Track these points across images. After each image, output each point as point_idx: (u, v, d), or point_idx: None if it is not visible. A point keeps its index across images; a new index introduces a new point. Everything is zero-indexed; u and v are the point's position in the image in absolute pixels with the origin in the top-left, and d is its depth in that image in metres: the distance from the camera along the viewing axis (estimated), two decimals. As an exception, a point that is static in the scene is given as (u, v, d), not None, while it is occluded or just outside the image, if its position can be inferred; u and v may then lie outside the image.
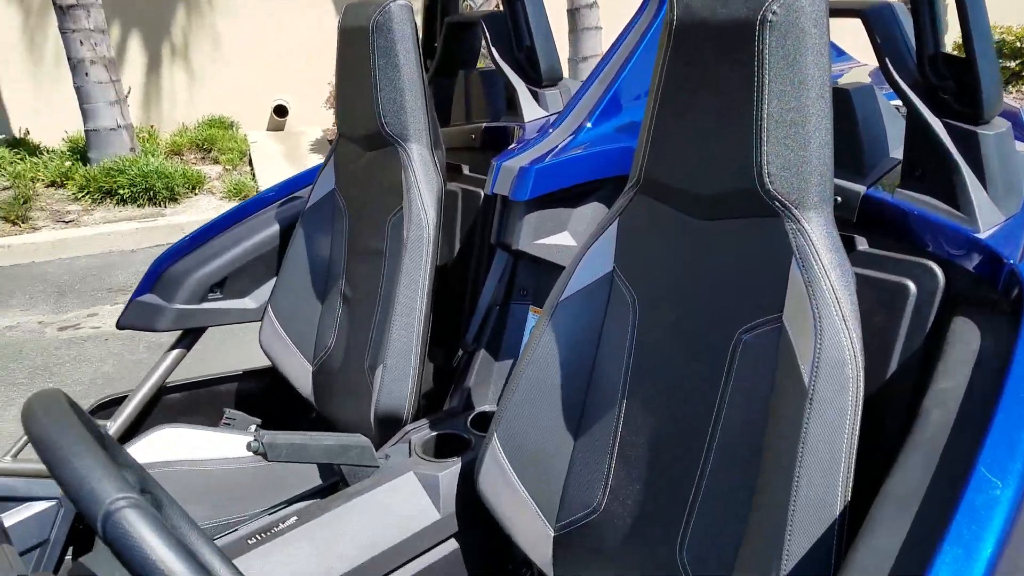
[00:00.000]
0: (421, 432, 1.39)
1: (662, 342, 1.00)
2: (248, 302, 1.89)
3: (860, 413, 0.77)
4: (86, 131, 6.24)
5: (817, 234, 0.82)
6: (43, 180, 6.07)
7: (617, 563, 1.02)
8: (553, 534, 1.10)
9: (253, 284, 1.89)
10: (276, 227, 1.88)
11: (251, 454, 1.20)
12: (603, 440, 1.06)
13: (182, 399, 1.88)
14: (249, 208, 1.92)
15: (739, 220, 0.89)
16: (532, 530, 1.11)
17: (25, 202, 5.63)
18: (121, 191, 5.86)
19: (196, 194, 6.20)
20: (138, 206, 5.89)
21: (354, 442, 1.27)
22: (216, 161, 6.96)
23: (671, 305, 0.99)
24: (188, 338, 1.84)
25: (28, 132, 7.21)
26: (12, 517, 1.44)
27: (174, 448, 1.53)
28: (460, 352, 1.61)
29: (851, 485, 0.76)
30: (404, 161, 1.50)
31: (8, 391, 3.24)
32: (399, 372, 1.43)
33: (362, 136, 1.62)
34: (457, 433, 1.37)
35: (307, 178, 1.90)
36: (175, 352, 1.82)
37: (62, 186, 6.08)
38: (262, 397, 1.96)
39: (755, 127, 0.82)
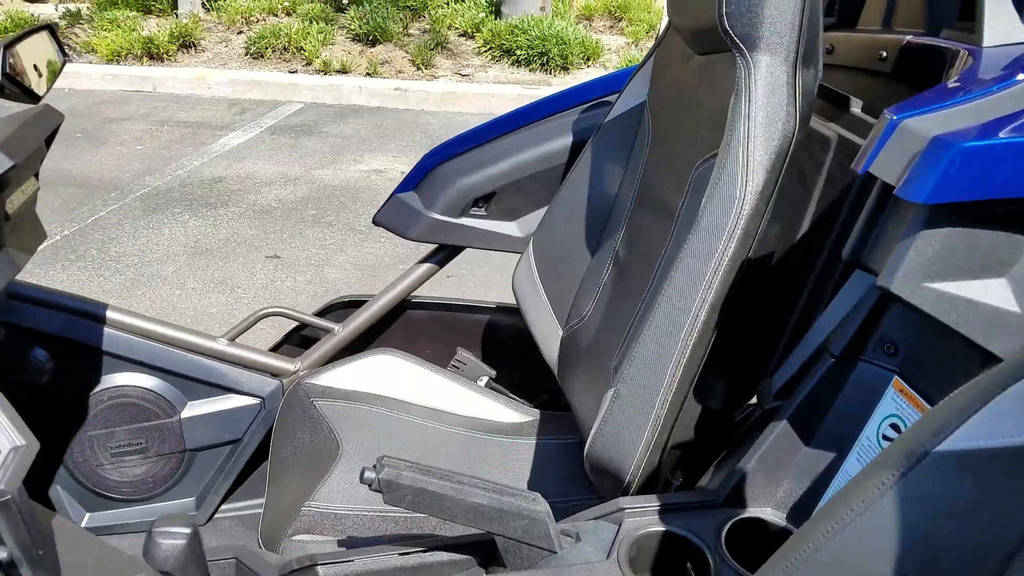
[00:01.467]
0: (641, 517, 0.93)
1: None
2: (514, 228, 1.57)
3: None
4: (506, -17, 6.44)
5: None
6: (457, 28, 6.47)
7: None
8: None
9: (525, 206, 1.55)
10: (568, 139, 1.48)
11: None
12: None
13: (421, 319, 1.68)
14: (544, 108, 1.54)
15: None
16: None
17: (434, 47, 6.07)
18: (518, 51, 5.98)
19: (588, 66, 6.06)
20: (530, 70, 5.96)
21: (524, 507, 0.87)
22: (623, 32, 6.72)
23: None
24: (442, 253, 1.59)
25: (462, -22, 7.75)
26: (213, 404, 1.45)
27: (385, 382, 1.36)
28: (753, 401, 1.08)
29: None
30: (741, 79, 0.95)
31: (345, 235, 3.51)
32: (635, 409, 0.98)
33: (693, 30, 1.09)
34: (696, 544, 0.89)
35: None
36: (425, 266, 1.59)
37: (471, 38, 6.43)
38: (508, 342, 1.66)
39: None
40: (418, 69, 5.87)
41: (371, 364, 1.39)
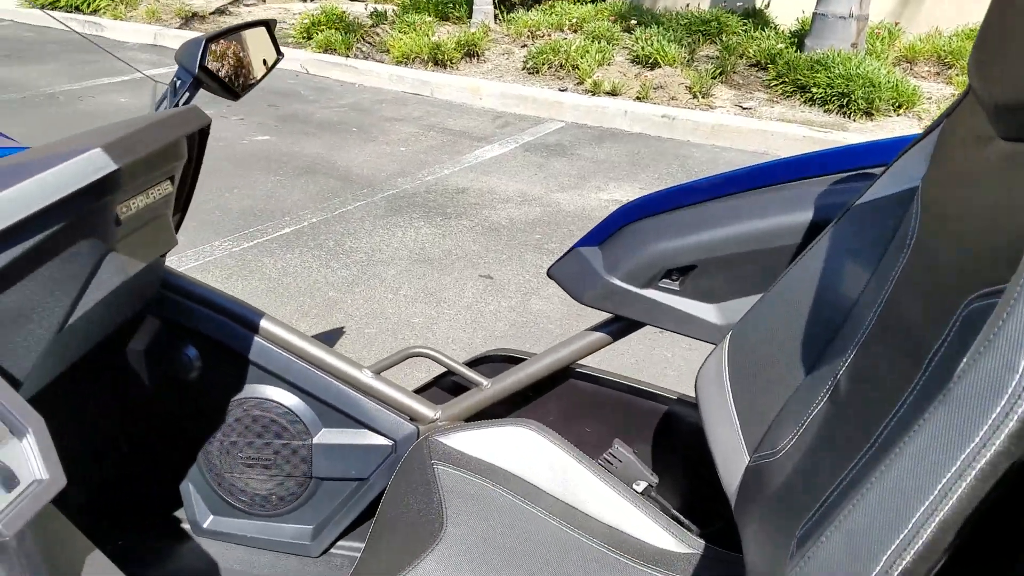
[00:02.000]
0: None
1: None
2: (710, 313, 1.27)
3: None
4: (814, 14, 5.96)
5: None
6: (749, 58, 6.07)
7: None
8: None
9: (730, 290, 1.25)
10: (804, 216, 1.16)
11: None
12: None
13: (580, 393, 1.46)
14: (783, 170, 1.22)
15: None
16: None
17: (717, 75, 5.74)
18: (815, 89, 5.44)
19: (898, 114, 5.34)
20: (825, 111, 5.40)
21: None
22: (949, 81, 5.86)
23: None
24: (618, 325, 1.35)
25: (768, 5, 7.30)
26: (346, 436, 1.42)
27: (521, 459, 1.19)
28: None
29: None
30: None
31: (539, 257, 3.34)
32: None
33: (1003, 104, 0.74)
34: None
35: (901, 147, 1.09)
36: (595, 336, 1.37)
37: (763, 69, 5.99)
38: (683, 445, 1.38)
39: None
40: (693, 97, 5.58)
41: (511, 435, 1.22)
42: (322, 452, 1.43)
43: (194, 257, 3.33)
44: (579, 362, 1.41)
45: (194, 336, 1.40)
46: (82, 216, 0.93)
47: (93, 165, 0.89)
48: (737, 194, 1.21)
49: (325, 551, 1.53)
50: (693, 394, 1.31)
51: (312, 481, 1.47)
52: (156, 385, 1.47)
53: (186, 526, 1.59)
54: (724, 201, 1.22)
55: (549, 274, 1.38)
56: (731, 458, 1.11)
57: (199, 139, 1.22)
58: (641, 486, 1.29)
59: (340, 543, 1.53)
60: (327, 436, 1.42)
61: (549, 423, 1.37)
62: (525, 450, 1.20)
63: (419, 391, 1.49)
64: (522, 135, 5.22)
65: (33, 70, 6.36)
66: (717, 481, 1.13)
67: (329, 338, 2.77)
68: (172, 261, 3.28)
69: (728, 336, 1.17)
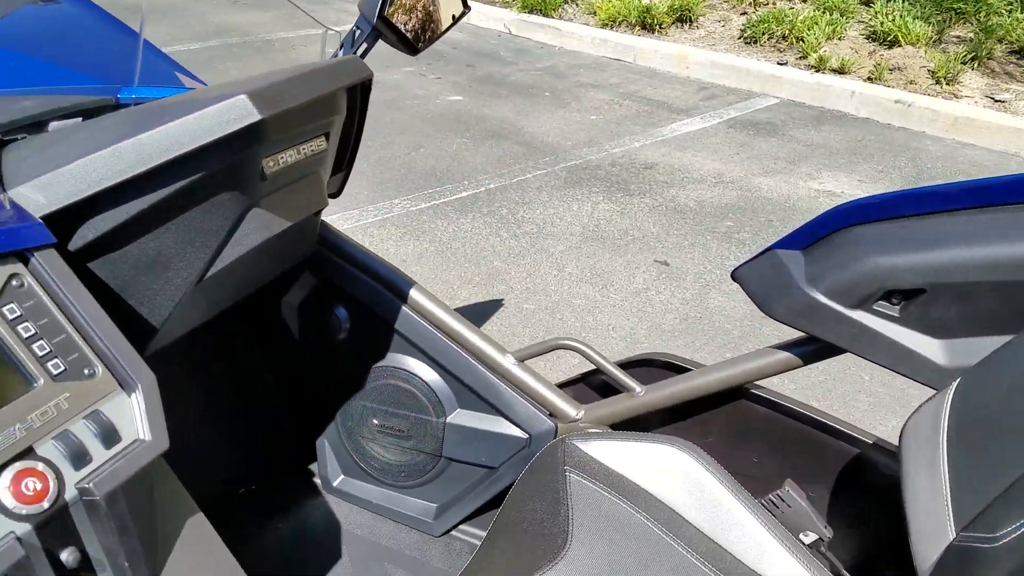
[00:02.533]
0: None
1: None
2: (935, 350, 1.04)
3: None
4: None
5: None
6: (1012, 43, 5.28)
7: None
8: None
9: (966, 325, 1.02)
10: None
11: None
12: None
13: (752, 418, 1.30)
14: None
15: None
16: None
17: (969, 60, 5.03)
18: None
19: None
20: (1104, 107, 4.57)
21: None
22: None
23: None
24: (812, 347, 1.14)
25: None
26: (480, 422, 1.39)
27: (669, 483, 1.05)
28: None
29: None
30: None
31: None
32: None
33: None
34: None
35: None
36: (782, 356, 1.18)
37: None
38: (872, 498, 1.19)
39: None
40: (936, 83, 4.93)
41: (660, 453, 1.07)
42: (455, 432, 1.40)
43: (374, 213, 3.38)
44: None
45: (346, 298, 1.40)
46: (224, 167, 0.91)
47: (236, 113, 0.86)
48: (985, 208, 0.98)
49: (446, 532, 1.53)
50: (893, 439, 1.11)
51: (441, 460, 1.45)
52: (305, 340, 1.52)
53: (317, 481, 1.66)
54: (968, 215, 0.98)
55: (735, 276, 1.18)
56: (931, 530, 0.93)
57: (361, 94, 1.16)
58: (810, 538, 1.12)
59: (462, 527, 1.52)
60: (461, 417, 1.39)
61: (707, 446, 1.20)
62: (674, 473, 1.05)
63: (563, 386, 1.42)
64: (728, 110, 4.87)
65: (256, 17, 6.81)
66: (905, 550, 0.94)
67: (485, 309, 2.69)
68: (353, 215, 3.35)
69: (955, 382, 0.96)
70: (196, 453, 1.58)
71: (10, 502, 0.68)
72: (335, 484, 1.61)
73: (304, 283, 1.45)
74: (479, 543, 1.43)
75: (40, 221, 0.79)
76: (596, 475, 1.08)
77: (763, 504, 1.10)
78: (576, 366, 2.23)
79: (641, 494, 1.05)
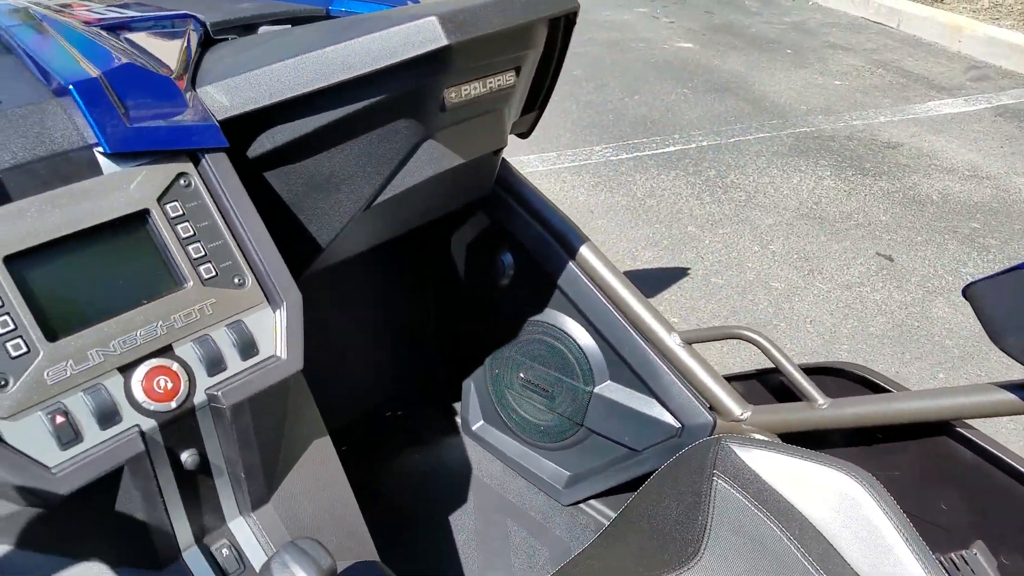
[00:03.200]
0: None
1: None
2: None
3: None
4: None
5: None
6: None
7: None
8: None
9: None
10: None
11: None
12: None
13: (952, 459, 1.11)
14: None
15: None
16: None
17: None
18: None
19: None
20: None
21: None
22: None
23: None
24: None
25: None
26: (631, 399, 1.33)
27: (833, 514, 0.94)
28: None
29: None
30: None
31: (997, 267, 2.63)
32: None
33: None
34: None
35: None
36: (1004, 398, 1.01)
37: None
38: None
39: None
40: None
41: (831, 480, 0.95)
42: (601, 404, 1.35)
43: (572, 158, 3.30)
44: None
45: (514, 244, 1.38)
46: (405, 92, 0.89)
47: (423, 36, 0.83)
48: None
49: (574, 503, 1.49)
50: None
51: (582, 428, 1.42)
52: (468, 280, 1.53)
53: (458, 420, 1.69)
54: None
55: (967, 292, 0.99)
56: None
57: (564, 29, 1.10)
58: None
59: (592, 502, 1.48)
60: (611, 390, 1.34)
61: (890, 481, 1.08)
62: (842, 503, 0.94)
63: (731, 379, 1.30)
64: (1000, 95, 4.25)
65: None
66: None
67: (665, 277, 2.55)
68: (550, 157, 3.29)
69: None
70: (345, 377, 1.63)
71: (140, 396, 0.70)
72: (474, 428, 1.62)
73: (476, 222, 1.43)
74: (606, 523, 1.40)
75: (216, 124, 0.80)
76: (748, 487, 0.97)
77: (941, 562, 0.94)
78: (751, 360, 2.05)
79: (796, 518, 0.94)
